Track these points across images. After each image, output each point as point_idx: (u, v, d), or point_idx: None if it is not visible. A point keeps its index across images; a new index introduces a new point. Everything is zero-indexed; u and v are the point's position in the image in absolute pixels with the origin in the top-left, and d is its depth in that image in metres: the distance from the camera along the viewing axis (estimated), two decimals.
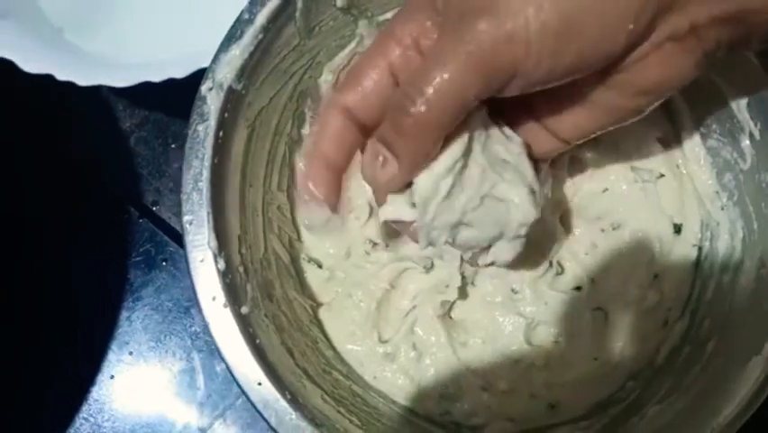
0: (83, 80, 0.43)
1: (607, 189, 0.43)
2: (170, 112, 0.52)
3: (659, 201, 0.43)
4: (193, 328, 0.49)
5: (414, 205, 0.33)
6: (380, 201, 0.34)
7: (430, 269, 0.43)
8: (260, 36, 0.37)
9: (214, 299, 0.35)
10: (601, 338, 0.42)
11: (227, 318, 0.35)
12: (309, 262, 0.44)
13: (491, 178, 0.33)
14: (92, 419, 0.48)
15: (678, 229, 0.43)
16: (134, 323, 0.49)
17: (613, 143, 0.44)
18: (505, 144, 0.34)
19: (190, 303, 0.49)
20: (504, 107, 0.34)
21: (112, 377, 0.48)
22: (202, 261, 0.35)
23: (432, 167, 0.32)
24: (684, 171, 0.43)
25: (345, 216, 0.40)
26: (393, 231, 0.40)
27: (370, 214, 0.43)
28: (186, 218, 0.36)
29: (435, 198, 0.32)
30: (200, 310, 0.35)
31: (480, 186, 0.33)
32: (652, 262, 0.43)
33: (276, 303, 0.40)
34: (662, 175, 0.43)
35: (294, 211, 0.45)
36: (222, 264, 0.35)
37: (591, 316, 0.42)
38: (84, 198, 0.51)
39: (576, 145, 0.43)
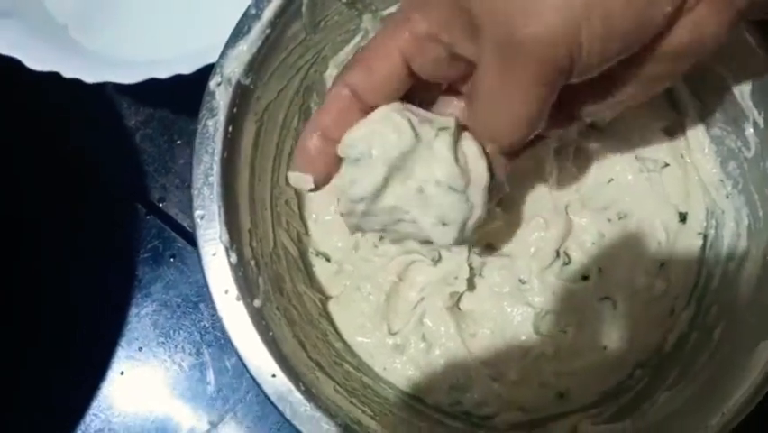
0: (90, 77, 0.43)
1: (612, 180, 0.44)
2: (175, 109, 0.52)
3: (664, 190, 0.43)
4: (202, 323, 0.49)
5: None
6: None
7: (438, 261, 0.43)
8: (268, 31, 0.38)
9: (226, 292, 0.35)
10: (609, 327, 0.42)
11: (240, 311, 0.35)
12: (318, 255, 0.45)
13: (400, 213, 0.33)
14: (102, 415, 0.48)
15: (683, 218, 0.43)
16: (143, 319, 0.49)
17: (618, 134, 0.44)
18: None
19: (199, 298, 0.49)
20: None
21: (122, 373, 0.49)
22: (214, 254, 0.35)
23: (349, 191, 0.32)
24: (689, 160, 0.44)
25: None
26: None
27: None
28: (197, 213, 0.36)
29: (354, 214, 0.33)
30: (213, 304, 0.35)
31: (390, 215, 0.33)
32: (658, 251, 0.43)
33: (286, 297, 0.40)
34: (666, 164, 0.44)
35: (301, 206, 0.45)
36: (234, 258, 0.36)
37: (599, 305, 0.43)
38: (91, 195, 0.51)
39: (581, 136, 0.44)
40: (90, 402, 0.48)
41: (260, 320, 0.36)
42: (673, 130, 0.44)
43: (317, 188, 0.34)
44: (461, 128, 0.33)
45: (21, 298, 0.50)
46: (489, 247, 0.43)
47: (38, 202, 0.51)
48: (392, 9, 0.43)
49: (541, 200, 0.43)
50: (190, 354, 0.49)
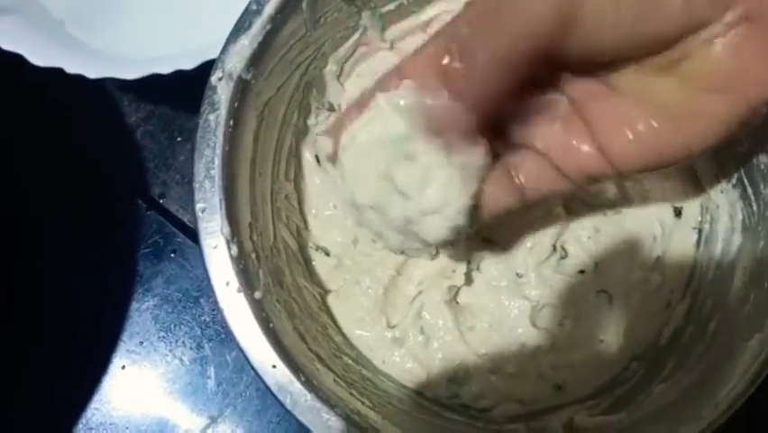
0: (92, 73, 0.43)
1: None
2: (176, 106, 0.53)
3: (659, 185, 0.44)
4: (203, 318, 0.49)
5: None
6: None
7: (435, 255, 0.44)
8: (268, 27, 0.38)
9: (227, 284, 0.36)
10: (606, 320, 0.43)
11: (241, 303, 0.36)
12: (317, 250, 0.45)
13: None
14: (103, 409, 0.48)
15: (678, 213, 0.44)
16: (144, 314, 0.49)
17: None
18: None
19: (199, 293, 0.50)
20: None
21: (123, 367, 0.49)
22: (215, 247, 0.36)
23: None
24: None
25: None
26: None
27: None
28: (198, 206, 0.36)
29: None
30: (214, 296, 0.36)
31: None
32: (653, 246, 0.44)
33: (286, 290, 0.40)
34: None
35: (301, 201, 0.45)
36: (235, 250, 0.36)
37: (596, 298, 0.43)
38: (93, 191, 0.52)
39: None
40: (91, 397, 0.48)
41: (261, 312, 0.36)
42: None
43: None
44: None
45: (22, 293, 0.50)
46: (486, 241, 0.44)
47: (39, 199, 0.52)
48: (390, 6, 0.44)
49: None
50: (191, 349, 0.49)
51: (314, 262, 0.45)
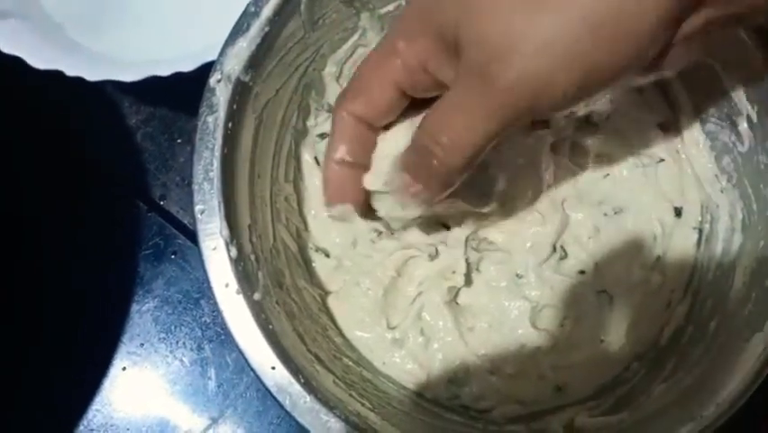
0: (92, 76, 0.43)
1: (608, 175, 0.44)
2: (175, 108, 0.53)
3: (659, 185, 0.44)
4: (203, 319, 0.49)
5: None
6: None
7: (435, 256, 0.44)
8: (267, 29, 0.38)
9: (227, 286, 0.36)
10: (606, 321, 0.43)
11: (240, 305, 0.35)
12: (317, 251, 0.45)
13: None
14: (104, 411, 0.48)
15: (678, 212, 0.44)
16: (145, 315, 0.49)
17: (614, 129, 0.44)
18: None
19: (200, 295, 0.50)
20: None
21: (124, 369, 0.49)
22: (214, 249, 0.36)
23: None
24: (683, 156, 0.44)
25: None
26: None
27: None
28: (198, 208, 0.36)
29: None
30: (213, 297, 0.36)
31: None
32: (654, 246, 0.44)
33: (286, 291, 0.40)
34: (662, 159, 0.44)
35: (300, 202, 0.45)
36: (234, 252, 0.36)
37: (596, 298, 0.43)
38: (93, 193, 0.52)
39: (577, 132, 0.44)
40: (92, 398, 0.48)
41: (260, 313, 0.36)
42: (668, 125, 0.44)
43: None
44: None
45: (24, 295, 0.50)
46: (486, 242, 0.44)
47: (40, 200, 0.52)
48: (390, 7, 0.43)
49: (537, 195, 0.43)
50: (191, 350, 0.49)
51: (313, 264, 0.45)
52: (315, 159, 0.45)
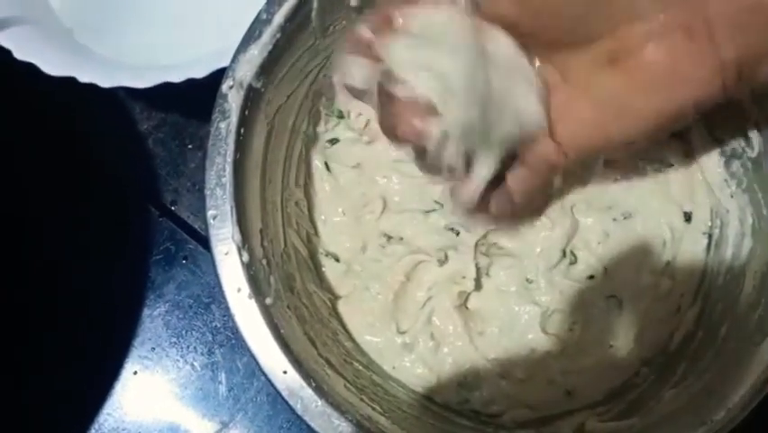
0: (105, 82, 0.44)
1: (617, 180, 0.44)
2: (186, 114, 0.53)
3: (669, 190, 0.44)
4: (214, 324, 0.50)
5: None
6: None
7: (444, 261, 0.44)
8: (278, 35, 0.38)
9: (239, 290, 0.36)
10: (616, 325, 0.43)
11: (252, 309, 0.36)
12: (327, 256, 0.45)
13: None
14: (116, 414, 0.49)
15: (688, 217, 0.44)
16: (156, 320, 0.50)
17: None
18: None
19: (210, 299, 0.50)
20: None
21: (135, 373, 0.49)
22: (227, 253, 0.36)
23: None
24: (693, 161, 0.44)
25: None
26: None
27: (384, 208, 0.45)
28: (210, 213, 0.36)
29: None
30: (225, 302, 0.36)
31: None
32: (663, 251, 0.44)
33: (297, 295, 0.41)
34: (671, 165, 0.44)
35: (311, 207, 0.46)
36: (246, 257, 0.36)
37: (605, 303, 0.43)
38: (105, 198, 0.52)
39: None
40: (104, 402, 0.49)
41: (272, 318, 0.36)
42: (678, 131, 0.44)
43: None
44: None
45: (36, 299, 0.51)
46: (496, 247, 0.44)
47: (52, 205, 0.52)
48: None
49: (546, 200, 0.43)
50: (202, 354, 0.49)
51: (324, 268, 0.45)
52: (326, 164, 0.46)
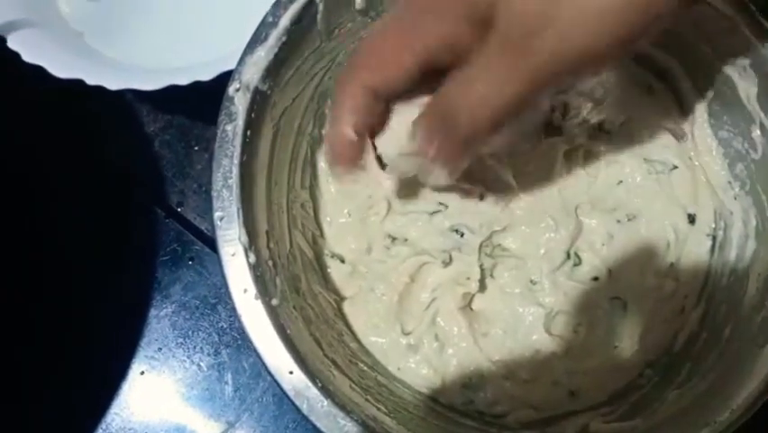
0: (112, 84, 0.44)
1: (621, 182, 0.44)
2: (192, 116, 0.53)
3: (673, 192, 0.44)
4: (220, 324, 0.50)
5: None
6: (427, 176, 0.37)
7: (449, 263, 0.44)
8: (284, 38, 0.39)
9: (245, 291, 0.36)
10: (620, 327, 0.43)
11: (258, 310, 0.36)
12: (332, 257, 0.45)
13: None
14: (123, 414, 0.49)
15: (692, 219, 0.44)
16: (162, 320, 0.50)
17: (627, 137, 0.45)
18: None
19: (217, 300, 0.50)
20: None
21: (142, 373, 0.50)
22: (233, 255, 0.36)
23: None
24: (697, 163, 0.44)
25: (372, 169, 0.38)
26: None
27: (388, 210, 0.45)
28: (217, 214, 0.37)
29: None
30: (232, 303, 0.36)
31: None
32: (667, 252, 0.44)
33: (303, 296, 0.41)
34: (675, 167, 0.44)
35: (316, 209, 0.46)
36: (252, 258, 0.36)
37: (609, 305, 0.43)
38: (112, 200, 0.52)
39: (591, 139, 0.44)
40: (111, 402, 0.49)
41: (278, 318, 0.36)
42: (681, 133, 0.45)
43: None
44: None
45: (43, 300, 0.51)
46: (500, 248, 0.44)
47: (59, 206, 0.53)
48: None
49: (551, 202, 0.44)
50: (208, 355, 0.50)
51: (329, 270, 0.45)
52: None
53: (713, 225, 0.44)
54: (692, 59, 0.42)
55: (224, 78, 0.39)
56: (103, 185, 0.53)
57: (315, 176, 0.46)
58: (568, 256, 0.44)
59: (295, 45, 0.39)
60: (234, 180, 0.37)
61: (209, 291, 0.50)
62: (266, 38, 0.38)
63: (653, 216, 0.44)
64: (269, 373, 0.36)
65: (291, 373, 0.35)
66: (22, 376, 0.50)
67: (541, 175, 0.44)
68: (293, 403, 0.35)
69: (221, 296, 0.50)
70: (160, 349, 0.50)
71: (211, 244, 0.51)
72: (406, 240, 0.45)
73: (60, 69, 0.44)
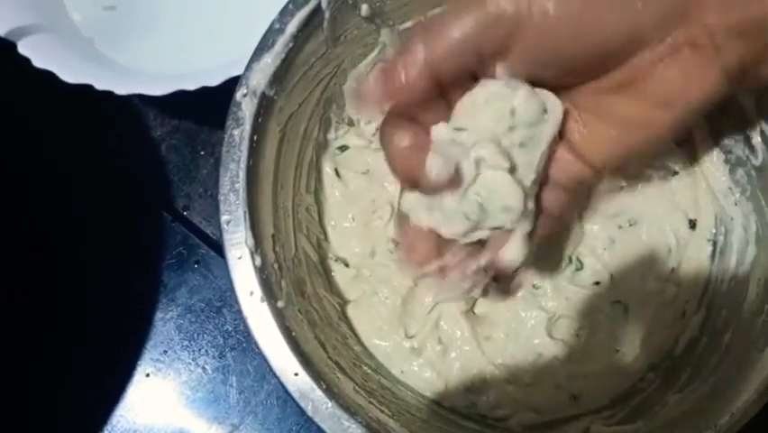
0: (121, 89, 0.44)
1: (623, 187, 0.45)
2: (199, 121, 0.54)
3: (674, 198, 0.45)
4: (225, 327, 0.50)
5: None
6: None
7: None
8: (291, 44, 0.39)
9: (251, 294, 0.36)
10: (621, 331, 0.43)
11: (264, 312, 0.36)
12: (337, 261, 0.46)
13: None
14: (128, 416, 0.49)
15: (693, 224, 0.44)
16: (168, 323, 0.51)
17: None
18: None
19: (222, 303, 0.51)
20: None
21: (147, 375, 0.50)
22: (240, 258, 0.37)
23: None
24: (698, 169, 0.45)
25: None
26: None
27: (392, 214, 0.45)
28: (224, 218, 0.37)
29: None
30: (238, 305, 0.37)
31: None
32: (668, 257, 0.44)
33: (307, 300, 0.41)
34: (676, 172, 0.45)
35: (321, 213, 0.46)
36: (258, 261, 0.37)
37: (611, 309, 0.44)
38: (118, 203, 0.53)
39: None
40: (116, 404, 0.49)
41: (283, 321, 0.37)
42: (683, 139, 0.45)
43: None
44: None
45: (49, 302, 0.51)
46: None
47: (66, 210, 0.53)
48: (408, 23, 0.44)
49: None
50: (213, 358, 0.50)
51: (333, 273, 0.46)
52: (336, 170, 0.46)
53: (714, 231, 0.44)
54: None
55: (231, 84, 0.39)
56: (110, 189, 0.53)
57: (320, 180, 0.46)
58: (570, 261, 0.44)
59: (301, 51, 0.40)
60: (241, 184, 0.37)
61: (214, 295, 0.51)
62: (273, 44, 0.39)
63: (654, 222, 0.44)
64: (275, 375, 0.36)
65: (296, 374, 0.36)
66: (28, 378, 0.50)
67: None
68: (298, 405, 0.36)
69: (226, 299, 0.50)
70: (165, 352, 0.50)
71: (216, 247, 0.51)
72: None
73: (70, 74, 0.45)
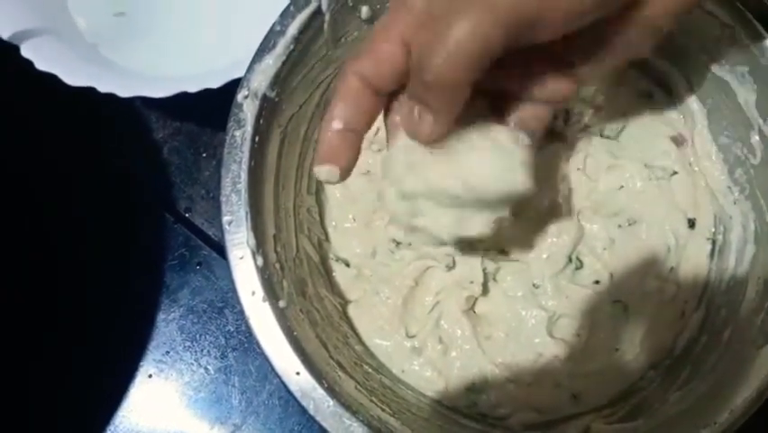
0: (124, 92, 0.45)
1: (622, 187, 0.45)
2: (201, 123, 0.54)
3: (673, 197, 0.45)
4: (227, 328, 0.51)
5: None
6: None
7: (452, 267, 0.45)
8: (292, 47, 0.39)
9: (253, 293, 0.37)
10: (621, 330, 0.44)
11: (266, 312, 0.37)
12: (338, 261, 0.46)
13: None
14: (130, 417, 0.50)
15: (692, 224, 0.45)
16: (171, 324, 0.51)
17: (628, 143, 0.45)
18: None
19: (224, 304, 0.51)
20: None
21: (150, 376, 0.50)
22: (242, 258, 0.37)
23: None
24: (697, 168, 0.45)
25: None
26: None
27: None
28: (225, 219, 0.37)
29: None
30: (240, 305, 0.37)
31: None
32: (668, 256, 0.44)
33: (309, 300, 0.41)
34: (675, 172, 0.45)
35: (322, 214, 0.47)
36: (260, 261, 0.37)
37: (611, 308, 0.44)
38: (121, 205, 0.53)
39: (592, 145, 0.45)
40: (119, 404, 0.50)
41: (285, 321, 0.37)
42: (682, 139, 0.45)
43: (342, 179, 0.34)
44: None
45: (52, 304, 0.52)
46: (503, 253, 0.45)
47: (69, 212, 0.53)
48: None
49: (553, 207, 0.44)
50: (215, 358, 0.50)
51: (334, 273, 0.46)
52: None
53: (713, 230, 0.45)
54: (691, 67, 0.43)
55: (233, 86, 0.39)
56: (112, 190, 0.53)
57: (320, 182, 0.46)
58: (570, 260, 0.44)
59: (302, 53, 0.40)
60: (243, 185, 0.38)
61: (216, 296, 0.51)
62: (274, 46, 0.39)
63: (653, 221, 0.45)
64: (277, 375, 0.36)
65: (298, 374, 0.36)
66: (28, 378, 0.51)
67: (543, 180, 0.45)
68: (299, 404, 0.36)
69: (228, 300, 0.51)
70: (167, 352, 0.51)
71: (218, 249, 0.52)
72: (410, 244, 0.45)
73: (73, 77, 0.45)
